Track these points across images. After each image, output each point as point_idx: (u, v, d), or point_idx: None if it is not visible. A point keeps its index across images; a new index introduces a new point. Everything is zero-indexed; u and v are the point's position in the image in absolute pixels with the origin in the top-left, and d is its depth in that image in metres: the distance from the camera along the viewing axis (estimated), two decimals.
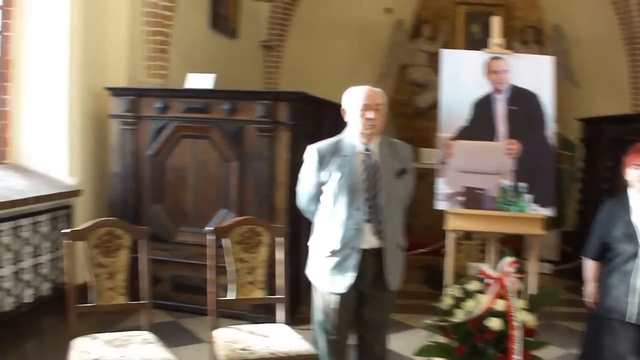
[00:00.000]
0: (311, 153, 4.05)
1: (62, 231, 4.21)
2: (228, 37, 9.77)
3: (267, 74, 11.58)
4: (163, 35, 7.33)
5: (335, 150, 4.03)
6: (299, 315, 5.33)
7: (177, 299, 6.38)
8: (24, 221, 5.64)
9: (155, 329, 4.24)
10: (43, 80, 6.26)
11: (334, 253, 3.97)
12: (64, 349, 3.98)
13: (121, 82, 6.73)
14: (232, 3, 9.87)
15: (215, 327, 4.32)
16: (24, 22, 6.28)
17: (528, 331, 4.34)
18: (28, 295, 5.72)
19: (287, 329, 4.36)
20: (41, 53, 6.26)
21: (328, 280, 4.03)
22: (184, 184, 6.43)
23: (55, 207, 6.04)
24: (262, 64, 11.50)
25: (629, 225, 4.21)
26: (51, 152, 6.28)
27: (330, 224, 4.01)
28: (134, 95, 6.49)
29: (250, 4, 10.39)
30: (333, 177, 3.97)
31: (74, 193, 6.26)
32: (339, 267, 3.97)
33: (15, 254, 5.53)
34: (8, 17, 6.26)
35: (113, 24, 6.80)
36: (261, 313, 5.71)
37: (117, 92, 6.53)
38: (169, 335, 4.88)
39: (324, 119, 6.77)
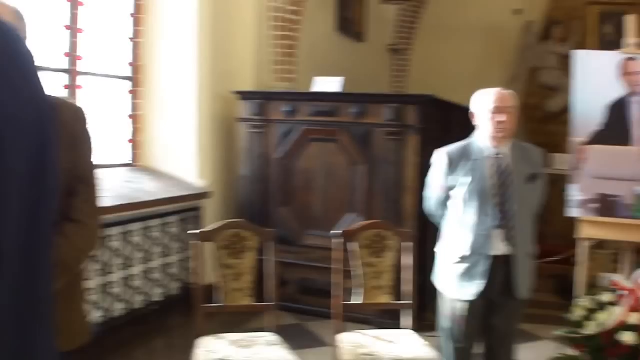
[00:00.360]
0: (440, 157, 3.98)
1: (190, 232, 4.27)
2: (354, 40, 9.77)
3: (394, 77, 11.50)
4: (290, 39, 7.38)
5: (465, 154, 3.94)
6: (424, 321, 5.25)
7: (303, 302, 6.39)
8: (154, 222, 5.77)
9: (280, 331, 4.24)
10: (173, 84, 6.40)
11: (462, 259, 3.88)
12: (190, 348, 4.03)
13: (249, 86, 6.81)
14: (358, 6, 9.87)
15: (340, 331, 4.28)
16: (154, 29, 6.46)
17: None
18: (157, 294, 5.85)
19: (413, 335, 4.29)
20: (171, 58, 6.41)
21: (456, 287, 3.95)
22: (311, 187, 6.44)
23: (185, 208, 6.16)
24: (388, 67, 11.44)
25: None
26: (181, 155, 6.41)
27: (459, 230, 3.92)
28: (261, 99, 6.54)
29: (376, 7, 10.35)
30: (462, 182, 3.88)
31: (203, 195, 6.37)
32: (467, 274, 3.88)
33: (145, 253, 5.67)
34: (139, 24, 6.47)
35: (241, 29, 6.89)
36: (386, 318, 5.65)
37: (245, 96, 6.61)
38: (294, 338, 4.87)
39: (452, 122, 6.65)
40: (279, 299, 4.33)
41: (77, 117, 2.69)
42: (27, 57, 1.13)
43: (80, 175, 2.63)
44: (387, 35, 11.22)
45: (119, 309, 5.39)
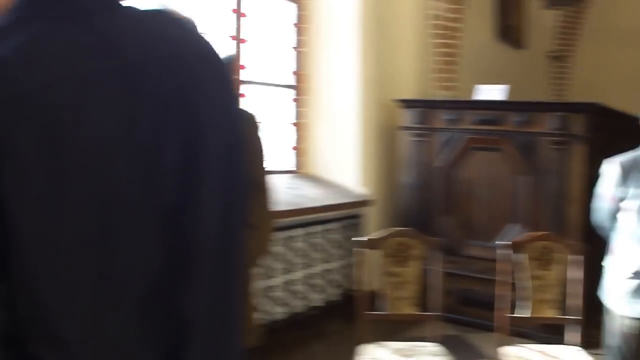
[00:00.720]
0: (612, 167, 3.84)
1: (356, 239, 4.31)
2: (513, 47, 9.60)
3: (554, 85, 11.22)
4: (451, 47, 7.33)
5: (637, 165, 3.78)
6: (589, 338, 5.07)
7: (463, 313, 6.29)
8: (316, 228, 5.85)
9: (440, 341, 4.21)
10: (336, 93, 6.49)
11: (635, 275, 3.72)
12: (349, 354, 4.06)
13: (410, 95, 6.80)
14: (518, 13, 9.69)
15: (502, 344, 4.20)
16: (317, 38, 6.58)
17: None
18: (317, 299, 5.92)
19: (579, 352, 4.15)
20: (334, 67, 6.51)
21: (626, 303, 3.78)
22: (473, 197, 6.34)
23: (346, 215, 6.22)
24: (547, 74, 11.17)
25: None
26: (343, 162, 6.48)
27: (631, 244, 3.76)
28: (424, 107, 6.52)
29: (536, 13, 10.13)
30: (634, 194, 3.73)
31: (365, 203, 6.42)
32: (639, 291, 3.73)
33: (307, 259, 5.75)
34: (302, 34, 6.60)
35: (402, 37, 6.89)
36: (547, 333, 5.51)
37: (407, 104, 6.59)
38: (454, 349, 4.79)
39: (618, 131, 6.43)
40: (443, 309, 4.29)
41: (250, 124, 2.77)
42: (218, 58, 1.17)
43: (254, 180, 2.70)
44: (546, 42, 10.96)
45: (279, 312, 5.50)
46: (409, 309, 4.17)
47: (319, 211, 5.85)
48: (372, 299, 4.20)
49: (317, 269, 5.89)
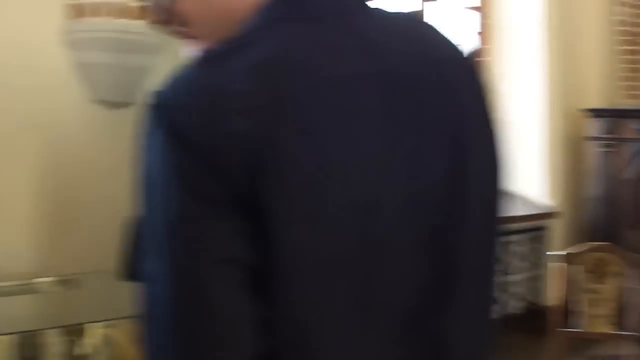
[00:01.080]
0: None
1: (551, 253, 4.22)
2: None
3: None
4: (637, 54, 7.06)
5: None
6: None
7: None
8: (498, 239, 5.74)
9: None
10: (519, 102, 6.37)
11: None
12: None
13: (595, 103, 6.58)
14: None
15: None
16: (501, 47, 6.49)
17: None
18: (498, 312, 5.81)
19: None
20: (518, 76, 6.41)
21: None
22: None
23: (530, 227, 6.07)
24: None
25: None
26: (526, 173, 6.34)
27: None
28: (612, 116, 6.30)
29: None
30: None
31: (550, 215, 6.25)
32: None
33: None
34: (486, 42, 6.51)
35: (587, 45, 6.70)
36: None
37: (595, 113, 6.39)
38: None
39: None
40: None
41: None
42: (475, 65, 1.16)
43: None
44: None
45: None
46: (605, 327, 4.04)
47: (501, 222, 5.74)
48: (564, 314, 4.09)
49: (499, 281, 5.78)
